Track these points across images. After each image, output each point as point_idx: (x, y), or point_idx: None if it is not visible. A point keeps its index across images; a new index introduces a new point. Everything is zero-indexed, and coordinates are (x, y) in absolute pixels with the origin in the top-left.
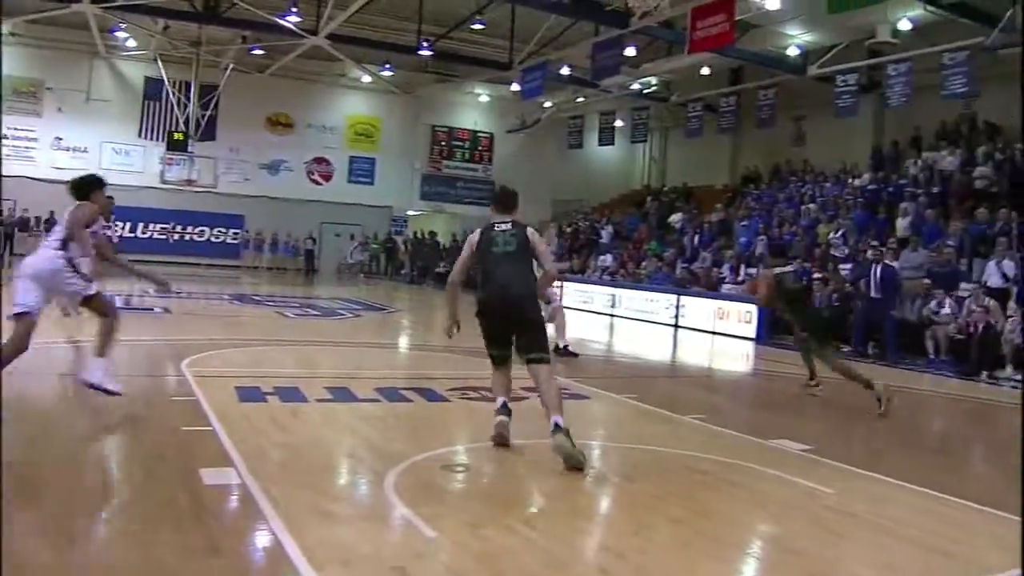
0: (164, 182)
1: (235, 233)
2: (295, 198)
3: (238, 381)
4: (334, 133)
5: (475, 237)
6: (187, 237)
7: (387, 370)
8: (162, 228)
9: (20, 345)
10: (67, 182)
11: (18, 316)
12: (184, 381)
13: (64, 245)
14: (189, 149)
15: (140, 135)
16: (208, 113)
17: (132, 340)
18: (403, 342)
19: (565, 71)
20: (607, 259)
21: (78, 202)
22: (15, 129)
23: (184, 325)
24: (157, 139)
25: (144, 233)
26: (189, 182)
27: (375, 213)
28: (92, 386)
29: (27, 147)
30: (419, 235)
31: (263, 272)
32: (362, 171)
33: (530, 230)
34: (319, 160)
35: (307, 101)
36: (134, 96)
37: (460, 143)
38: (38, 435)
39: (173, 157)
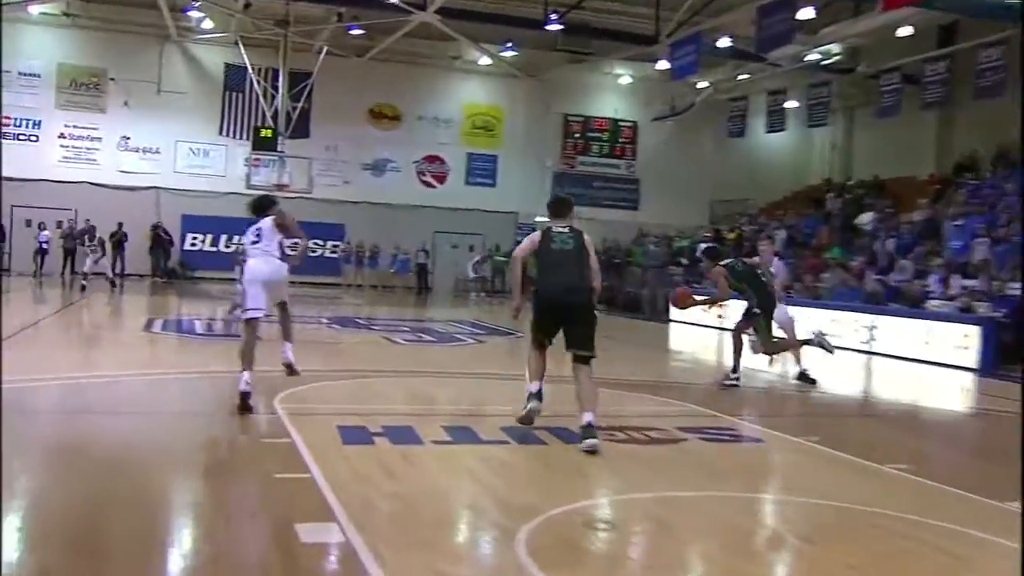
0: (250, 187)
1: (334, 246)
2: (403, 203)
3: (340, 419)
4: (448, 126)
5: (537, 236)
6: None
7: (516, 406)
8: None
9: (252, 343)
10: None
11: (250, 321)
12: (277, 420)
13: (284, 255)
14: (279, 148)
15: (221, 132)
16: (300, 105)
17: (215, 372)
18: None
19: (724, 43)
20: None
21: (270, 215)
22: (74, 127)
23: (277, 354)
24: (241, 137)
25: (228, 247)
26: (279, 187)
27: (498, 220)
28: (290, 365)
29: (89, 148)
30: None
31: (367, 291)
32: (482, 171)
33: (586, 236)
34: (431, 158)
35: (416, 89)
36: (213, 87)
37: (597, 135)
38: (109, 481)
39: (260, 157)
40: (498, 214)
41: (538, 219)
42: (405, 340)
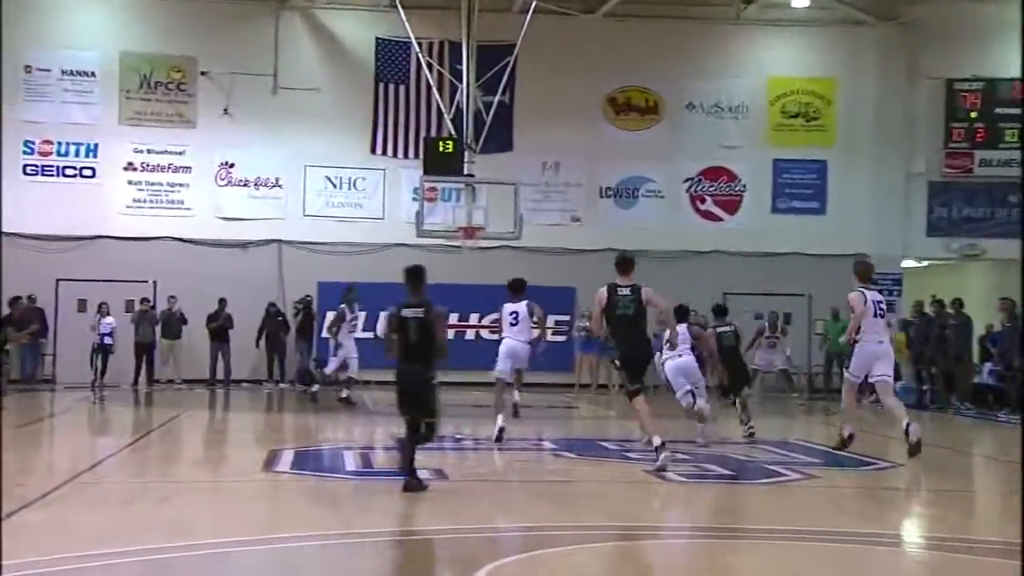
0: (422, 234)
1: (559, 321)
2: (670, 249)
3: None
4: (740, 116)
5: (603, 294)
6: (469, 335)
7: None
8: None
9: (502, 394)
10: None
11: (499, 379)
12: None
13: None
14: (466, 170)
15: (375, 150)
16: (496, 99)
17: (374, 533)
18: (913, 532)
19: None
20: None
21: (525, 298)
22: (148, 152)
23: (472, 501)
24: (406, 155)
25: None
26: (468, 232)
27: (831, 269)
28: (516, 404)
29: (172, 184)
30: (927, 308)
31: (615, 392)
32: (801, 187)
33: (645, 289)
34: (713, 173)
35: (683, 60)
36: (359, 77)
37: (1014, 111)
38: None
39: (436, 187)
40: (832, 259)
41: (906, 264)
42: (683, 476)
